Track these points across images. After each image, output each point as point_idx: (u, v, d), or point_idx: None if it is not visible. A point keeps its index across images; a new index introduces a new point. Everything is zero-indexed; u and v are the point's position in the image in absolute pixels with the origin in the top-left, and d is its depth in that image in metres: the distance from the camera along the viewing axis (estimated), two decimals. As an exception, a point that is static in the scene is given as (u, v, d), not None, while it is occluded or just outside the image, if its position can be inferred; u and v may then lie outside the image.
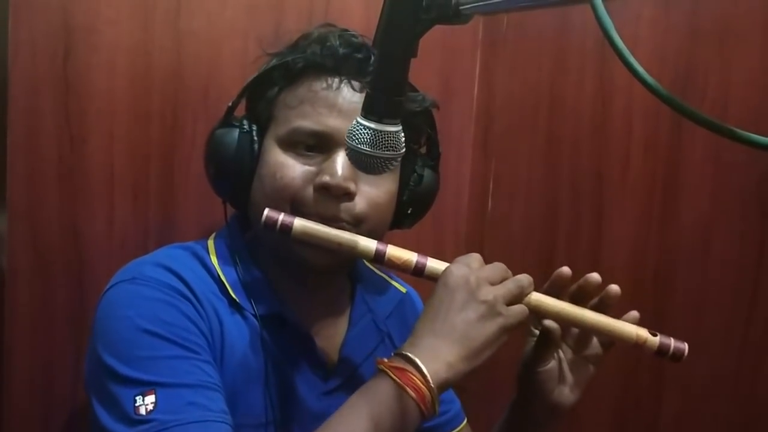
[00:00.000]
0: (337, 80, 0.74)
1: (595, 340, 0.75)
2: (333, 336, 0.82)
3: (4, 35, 0.92)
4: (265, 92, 0.78)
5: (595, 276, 0.72)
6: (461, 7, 0.53)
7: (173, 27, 1.01)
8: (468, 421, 0.97)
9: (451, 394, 0.93)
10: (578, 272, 1.16)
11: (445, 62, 1.27)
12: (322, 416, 0.74)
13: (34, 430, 0.98)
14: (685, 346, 0.71)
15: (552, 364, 0.74)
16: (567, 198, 1.18)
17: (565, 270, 0.73)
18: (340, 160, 0.72)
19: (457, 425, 0.93)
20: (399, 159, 0.61)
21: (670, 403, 1.03)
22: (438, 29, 0.55)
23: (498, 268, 0.69)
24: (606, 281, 1.11)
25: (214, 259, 0.78)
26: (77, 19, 0.95)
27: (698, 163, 1.00)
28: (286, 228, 0.69)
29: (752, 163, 0.93)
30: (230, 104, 0.78)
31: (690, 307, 1.01)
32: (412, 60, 0.57)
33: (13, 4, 0.91)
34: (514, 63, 1.28)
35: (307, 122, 0.73)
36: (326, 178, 0.71)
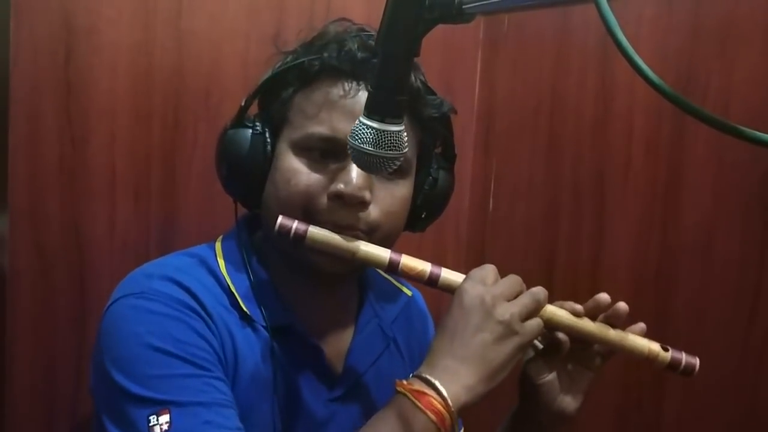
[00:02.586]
0: (354, 85, 0.72)
1: (595, 348, 0.75)
2: (339, 342, 0.81)
3: (6, 36, 0.92)
4: (280, 93, 0.76)
5: (604, 296, 0.72)
6: (464, 7, 0.52)
7: (174, 27, 1.01)
8: (469, 422, 0.96)
9: None
10: (579, 272, 1.17)
11: (446, 62, 1.27)
12: (328, 423, 0.74)
13: (36, 429, 0.98)
14: (697, 361, 0.71)
15: (552, 375, 0.74)
16: (568, 198, 1.18)
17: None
18: (356, 168, 0.70)
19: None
20: (401, 158, 0.61)
21: (671, 403, 1.03)
22: (439, 29, 0.55)
23: (513, 282, 0.68)
24: (607, 281, 1.12)
25: (222, 267, 0.76)
26: (78, 19, 0.95)
27: (700, 163, 1.00)
28: (300, 236, 0.68)
29: (754, 162, 0.93)
30: (243, 103, 0.76)
31: (692, 307, 1.01)
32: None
33: (15, 4, 0.91)
34: (516, 63, 1.28)
35: (322, 128, 0.72)
36: (341, 187, 0.70)
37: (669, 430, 1.04)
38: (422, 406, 0.60)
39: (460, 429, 0.94)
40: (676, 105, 0.35)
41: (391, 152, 0.59)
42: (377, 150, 0.58)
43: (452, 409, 0.60)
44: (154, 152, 1.02)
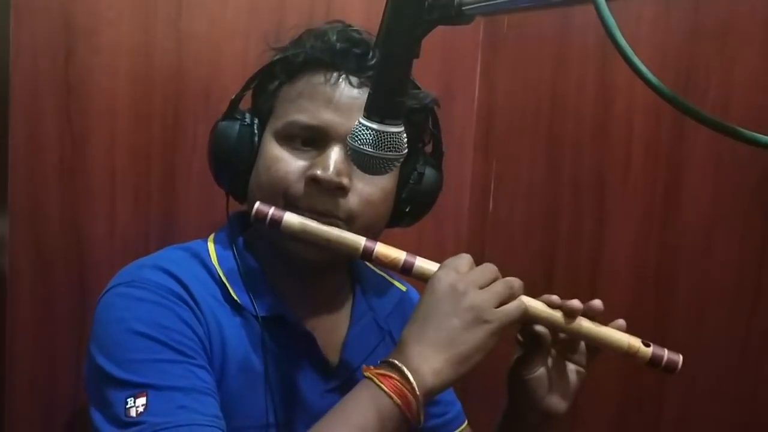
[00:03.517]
0: (335, 75, 0.74)
1: (582, 346, 0.75)
2: (334, 334, 0.82)
3: (6, 37, 0.92)
4: (267, 86, 0.78)
5: (596, 303, 0.71)
6: (464, 8, 0.52)
7: (174, 28, 1.01)
8: (469, 421, 0.96)
9: (451, 395, 0.93)
10: (579, 272, 1.17)
11: (446, 63, 1.27)
12: (322, 416, 0.74)
13: (37, 429, 0.98)
14: (679, 358, 0.70)
15: (540, 371, 0.74)
16: (568, 198, 1.18)
17: (554, 298, 0.71)
18: (334, 155, 0.71)
19: (456, 427, 0.93)
20: (401, 159, 0.61)
21: (671, 404, 1.03)
22: (439, 30, 0.55)
23: (487, 270, 0.68)
24: (607, 281, 1.12)
25: (214, 259, 0.78)
26: (78, 20, 0.95)
27: (699, 164, 1.00)
28: (276, 222, 0.69)
29: (753, 163, 0.93)
30: (234, 97, 0.78)
31: (691, 308, 1.01)
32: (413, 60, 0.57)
33: (15, 5, 0.92)
34: (515, 63, 1.28)
35: (302, 116, 0.73)
36: (318, 172, 0.71)
37: (669, 430, 1.04)
38: (386, 389, 0.61)
39: (463, 423, 0.94)
40: (674, 106, 0.35)
41: (390, 153, 0.59)
42: (376, 151, 0.59)
43: (418, 394, 0.60)
44: (154, 153, 1.02)
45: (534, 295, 0.71)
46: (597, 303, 0.71)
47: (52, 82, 0.95)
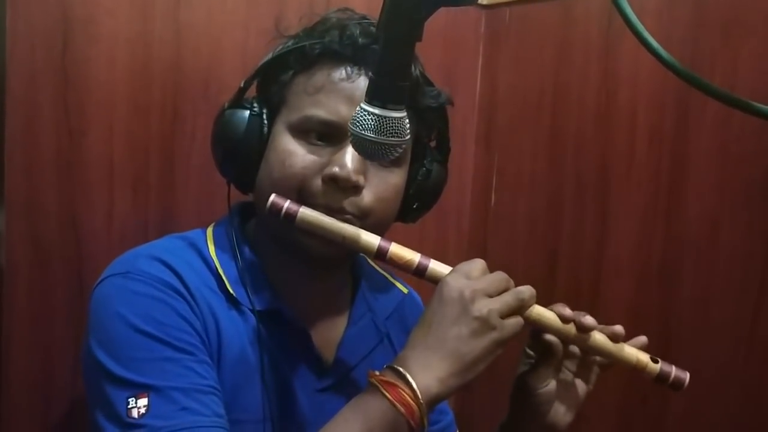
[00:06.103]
0: (355, 70, 0.72)
1: (591, 360, 0.75)
2: (331, 333, 0.81)
3: (2, 27, 0.91)
4: (279, 75, 0.76)
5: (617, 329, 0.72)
6: (467, -12, 0.52)
7: (173, 19, 1.00)
8: (473, 423, 0.95)
9: (444, 404, 0.92)
10: (582, 266, 1.16)
11: (447, 55, 1.26)
12: (317, 413, 0.73)
13: (34, 424, 0.98)
14: (686, 376, 0.70)
15: (551, 384, 0.73)
16: (571, 191, 1.17)
17: (567, 312, 0.71)
18: (351, 152, 0.70)
19: None
20: (403, 146, 0.60)
21: (676, 400, 1.02)
22: (440, 21, 0.54)
23: (498, 278, 0.67)
24: (611, 274, 1.11)
25: (212, 251, 0.77)
26: (76, 10, 0.94)
27: (704, 155, 0.99)
28: (291, 216, 0.68)
29: (758, 154, 0.93)
30: (242, 84, 0.76)
31: (696, 301, 1.00)
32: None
33: (11, -5, 0.91)
34: (517, 56, 1.27)
35: (320, 111, 0.72)
36: (335, 170, 0.70)
37: (674, 425, 1.03)
38: (391, 398, 0.60)
39: None
40: (686, 81, 0.34)
41: (392, 139, 0.58)
42: (378, 136, 0.58)
43: (421, 402, 0.60)
44: (153, 144, 1.01)
45: (538, 292, 0.70)
46: (618, 328, 0.71)
47: (49, 72, 0.94)
